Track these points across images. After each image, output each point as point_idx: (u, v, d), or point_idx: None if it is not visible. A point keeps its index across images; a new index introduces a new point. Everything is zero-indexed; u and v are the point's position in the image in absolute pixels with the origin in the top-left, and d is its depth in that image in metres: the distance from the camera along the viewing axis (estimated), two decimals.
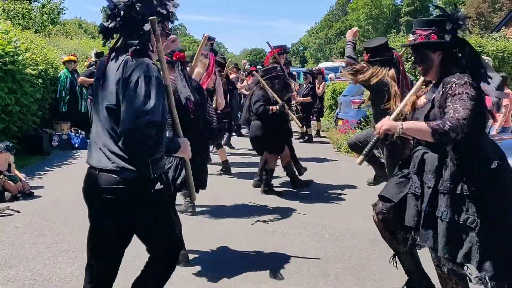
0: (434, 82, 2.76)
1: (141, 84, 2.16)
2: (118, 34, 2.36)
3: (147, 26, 2.25)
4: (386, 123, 2.65)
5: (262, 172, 6.45)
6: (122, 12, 2.25)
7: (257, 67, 12.22)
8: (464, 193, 2.52)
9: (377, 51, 4.66)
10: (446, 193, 2.56)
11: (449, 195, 2.55)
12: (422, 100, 2.80)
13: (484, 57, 7.69)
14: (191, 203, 4.88)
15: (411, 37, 2.81)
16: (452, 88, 2.47)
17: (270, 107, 6.09)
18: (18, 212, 5.26)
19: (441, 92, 2.56)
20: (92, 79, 9.47)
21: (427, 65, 2.67)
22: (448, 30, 2.59)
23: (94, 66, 10.07)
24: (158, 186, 2.35)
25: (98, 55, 10.35)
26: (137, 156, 2.25)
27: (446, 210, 2.55)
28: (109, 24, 2.30)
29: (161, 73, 2.35)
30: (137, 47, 2.24)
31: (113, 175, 2.25)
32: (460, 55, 2.63)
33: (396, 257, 3.10)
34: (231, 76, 10.37)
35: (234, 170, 7.66)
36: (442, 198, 2.58)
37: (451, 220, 2.53)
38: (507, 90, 7.42)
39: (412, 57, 2.80)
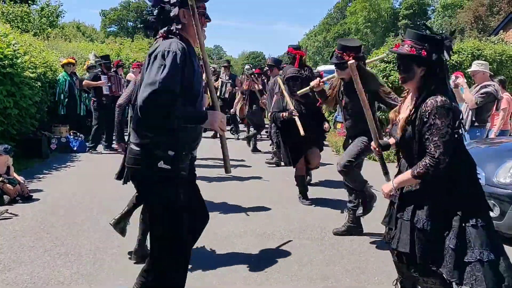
0: (409, 94, 2.89)
1: (157, 58, 2.35)
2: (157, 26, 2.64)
3: (173, 12, 2.51)
4: (384, 189, 2.86)
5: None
6: (156, 9, 2.57)
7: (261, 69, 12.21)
8: (442, 204, 2.66)
9: (359, 52, 4.56)
10: (424, 203, 2.69)
11: (429, 206, 2.68)
12: (402, 114, 2.89)
13: (481, 61, 7.73)
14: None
15: (399, 42, 2.87)
16: (428, 115, 2.61)
17: (281, 114, 5.88)
18: (17, 215, 5.26)
19: (418, 113, 2.68)
20: (96, 82, 9.55)
21: (408, 76, 2.76)
22: (437, 51, 2.68)
23: (99, 69, 10.04)
24: (162, 164, 2.44)
25: (105, 57, 10.36)
26: (155, 127, 2.43)
27: (426, 221, 2.67)
28: (148, 19, 2.64)
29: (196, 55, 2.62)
30: (166, 29, 2.52)
31: (132, 147, 2.55)
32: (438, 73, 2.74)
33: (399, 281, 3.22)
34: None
35: (234, 171, 7.66)
36: (421, 208, 2.70)
37: (432, 229, 2.65)
38: (505, 94, 7.45)
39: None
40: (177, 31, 2.49)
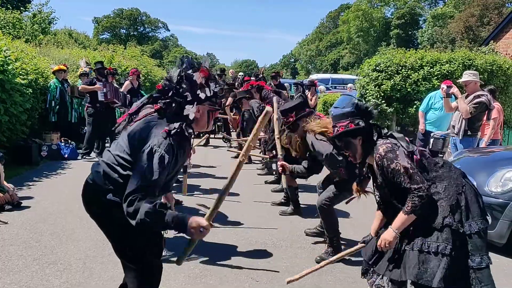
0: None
1: (155, 158, 2.38)
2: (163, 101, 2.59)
3: (186, 111, 2.50)
4: (388, 238, 2.91)
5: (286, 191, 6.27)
6: (169, 92, 2.55)
7: (251, 77, 12.26)
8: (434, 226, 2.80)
9: (300, 108, 4.72)
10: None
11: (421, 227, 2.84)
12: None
13: (472, 70, 7.80)
14: None
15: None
16: (384, 169, 2.85)
17: None
18: (6, 223, 5.19)
19: (379, 171, 2.92)
20: (93, 86, 9.47)
21: (352, 150, 3.03)
22: (360, 118, 3.00)
23: (94, 76, 9.98)
24: (111, 196, 2.49)
25: (99, 64, 10.30)
26: (115, 181, 2.53)
27: (421, 240, 2.81)
28: (158, 96, 2.61)
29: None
30: (176, 128, 2.46)
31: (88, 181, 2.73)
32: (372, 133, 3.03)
33: None
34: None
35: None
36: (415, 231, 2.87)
37: (422, 249, 2.79)
38: (496, 103, 7.50)
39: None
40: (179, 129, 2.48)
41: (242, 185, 7.44)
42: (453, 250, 2.71)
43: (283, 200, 6.46)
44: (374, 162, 2.94)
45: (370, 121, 3.04)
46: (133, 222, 2.31)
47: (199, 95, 2.54)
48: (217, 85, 2.62)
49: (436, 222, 2.76)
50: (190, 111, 2.51)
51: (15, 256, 4.28)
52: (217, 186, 7.33)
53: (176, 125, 2.47)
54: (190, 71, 2.56)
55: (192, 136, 2.64)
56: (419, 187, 2.74)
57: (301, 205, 6.12)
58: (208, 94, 2.56)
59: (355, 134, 2.99)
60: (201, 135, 11.99)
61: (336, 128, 3.05)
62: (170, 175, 2.58)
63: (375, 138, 2.96)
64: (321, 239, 4.93)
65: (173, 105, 2.52)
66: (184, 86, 2.52)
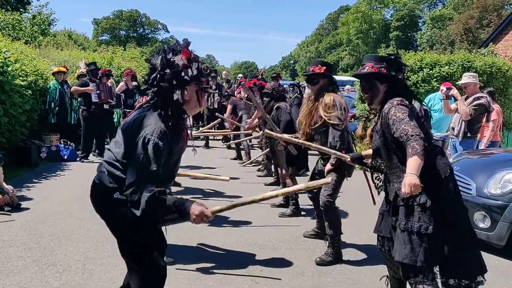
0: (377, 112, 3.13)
1: (148, 149, 2.39)
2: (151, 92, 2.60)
3: (175, 96, 2.50)
4: (411, 181, 2.60)
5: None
6: (154, 80, 2.53)
7: (247, 79, 12.25)
8: (415, 204, 2.81)
9: (330, 69, 4.67)
10: (402, 205, 2.89)
11: (405, 207, 2.87)
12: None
13: (470, 72, 7.79)
14: None
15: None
16: (389, 116, 2.85)
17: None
18: (9, 214, 5.19)
19: (381, 121, 2.96)
20: (84, 88, 9.49)
21: (374, 94, 3.04)
22: (395, 68, 3.00)
23: (87, 77, 9.99)
24: (117, 195, 2.50)
25: (92, 64, 10.30)
26: (118, 178, 2.54)
27: (404, 220, 2.85)
28: (146, 87, 2.60)
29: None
30: (164, 111, 2.50)
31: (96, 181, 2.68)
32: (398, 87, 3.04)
33: (388, 279, 3.35)
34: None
35: (224, 182, 7.63)
36: (400, 211, 2.90)
37: (406, 228, 2.82)
38: (495, 105, 7.51)
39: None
40: (170, 114, 2.50)
41: (241, 186, 7.44)
42: (435, 231, 2.74)
43: (282, 202, 6.46)
44: (383, 111, 2.93)
45: (400, 77, 3.02)
46: (137, 213, 2.35)
47: (184, 77, 2.52)
48: (200, 63, 2.57)
49: (419, 201, 2.79)
50: (178, 94, 2.51)
51: (14, 258, 4.28)
52: (217, 187, 7.33)
53: (167, 111, 2.50)
54: (171, 55, 2.55)
55: (185, 116, 2.63)
56: (417, 133, 2.67)
57: (300, 207, 6.12)
58: (193, 74, 2.53)
59: (383, 80, 2.99)
60: (196, 128, 11.94)
61: (368, 67, 3.03)
62: (171, 161, 2.59)
63: (397, 93, 2.94)
64: (320, 241, 4.93)
65: (161, 91, 2.52)
66: (168, 71, 2.50)
